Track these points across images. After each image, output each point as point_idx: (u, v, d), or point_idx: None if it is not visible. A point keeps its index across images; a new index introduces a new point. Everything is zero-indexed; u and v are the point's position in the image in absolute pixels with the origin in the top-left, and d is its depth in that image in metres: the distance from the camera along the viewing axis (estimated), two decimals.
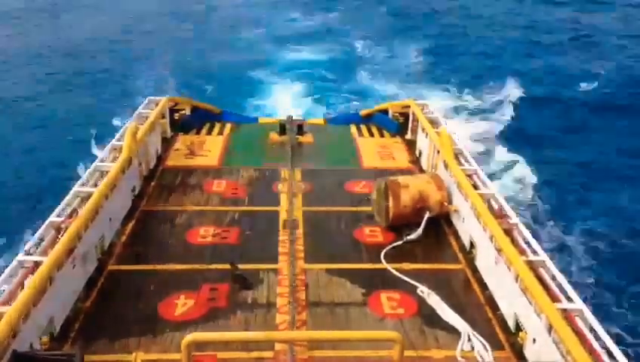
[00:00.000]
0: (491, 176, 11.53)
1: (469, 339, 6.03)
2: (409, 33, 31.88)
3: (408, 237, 7.97)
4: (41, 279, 5.65)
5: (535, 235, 6.99)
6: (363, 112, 13.42)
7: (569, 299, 5.74)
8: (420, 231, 7.99)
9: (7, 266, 5.95)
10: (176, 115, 12.26)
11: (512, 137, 19.49)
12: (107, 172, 8.04)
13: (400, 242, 7.94)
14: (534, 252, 6.55)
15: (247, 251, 7.71)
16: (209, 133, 12.34)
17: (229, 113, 13.75)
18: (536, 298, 5.69)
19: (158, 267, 7.30)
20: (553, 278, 6.09)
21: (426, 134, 10.30)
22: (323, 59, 28.48)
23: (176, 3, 39.68)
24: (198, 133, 12.27)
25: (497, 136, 19.64)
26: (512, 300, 6.32)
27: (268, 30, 33.38)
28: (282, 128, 11.97)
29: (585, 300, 5.77)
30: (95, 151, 16.04)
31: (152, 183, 9.74)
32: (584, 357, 4.84)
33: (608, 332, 5.25)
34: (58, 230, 6.62)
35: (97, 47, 30.25)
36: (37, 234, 6.52)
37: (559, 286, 5.96)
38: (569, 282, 6.02)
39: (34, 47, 30.17)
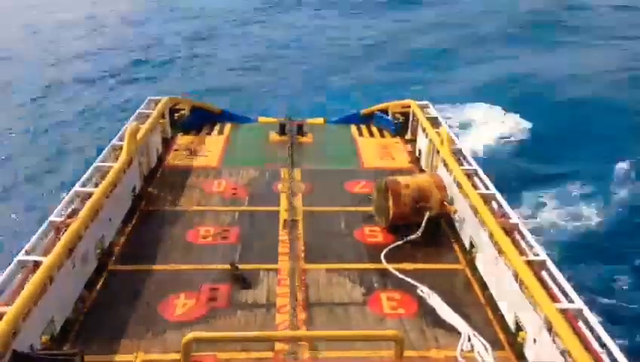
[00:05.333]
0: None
1: (469, 339, 6.03)
2: None
3: (408, 237, 7.97)
4: (41, 279, 5.65)
5: (535, 235, 6.97)
6: (363, 112, 13.42)
7: (569, 299, 5.74)
8: (420, 231, 7.99)
9: (7, 266, 5.95)
10: (176, 115, 12.25)
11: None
12: (107, 172, 8.04)
13: (400, 242, 7.94)
14: (534, 252, 6.55)
15: (247, 251, 7.70)
16: (209, 133, 12.34)
17: (229, 113, 13.76)
18: (536, 298, 5.69)
19: (158, 267, 7.29)
20: (553, 278, 6.09)
21: (426, 134, 10.30)
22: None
23: None
24: (198, 133, 12.27)
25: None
26: (512, 300, 6.32)
27: None
28: (282, 128, 11.99)
29: (585, 300, 5.76)
30: None
31: (152, 183, 9.74)
32: (584, 358, 4.84)
33: (608, 332, 5.25)
34: (58, 230, 6.62)
35: None
36: (37, 234, 6.52)
37: (559, 286, 5.96)
38: (569, 282, 6.02)
39: None
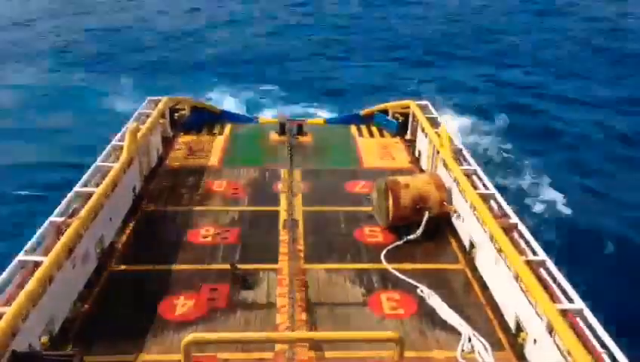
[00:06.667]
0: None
1: (470, 340, 6.03)
2: None
3: (408, 237, 7.97)
4: (41, 279, 5.65)
5: (535, 235, 6.97)
6: (363, 112, 13.42)
7: (569, 299, 5.73)
8: (420, 231, 7.99)
9: (7, 266, 5.95)
10: (177, 115, 12.27)
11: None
12: (108, 172, 8.04)
13: (400, 242, 7.94)
14: (534, 252, 6.55)
15: (247, 251, 7.71)
16: (209, 133, 12.35)
17: (229, 113, 13.78)
18: (536, 298, 5.68)
19: (158, 267, 7.29)
20: (553, 278, 6.09)
21: (426, 134, 10.30)
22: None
23: None
24: (198, 133, 12.28)
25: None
26: (512, 300, 6.32)
27: None
28: (282, 128, 12.01)
29: (585, 300, 5.76)
30: None
31: (153, 183, 9.75)
32: (584, 358, 4.83)
33: (608, 332, 5.24)
34: (58, 230, 6.61)
35: None
36: (37, 234, 6.51)
37: (559, 286, 5.95)
38: (569, 282, 6.01)
39: None
